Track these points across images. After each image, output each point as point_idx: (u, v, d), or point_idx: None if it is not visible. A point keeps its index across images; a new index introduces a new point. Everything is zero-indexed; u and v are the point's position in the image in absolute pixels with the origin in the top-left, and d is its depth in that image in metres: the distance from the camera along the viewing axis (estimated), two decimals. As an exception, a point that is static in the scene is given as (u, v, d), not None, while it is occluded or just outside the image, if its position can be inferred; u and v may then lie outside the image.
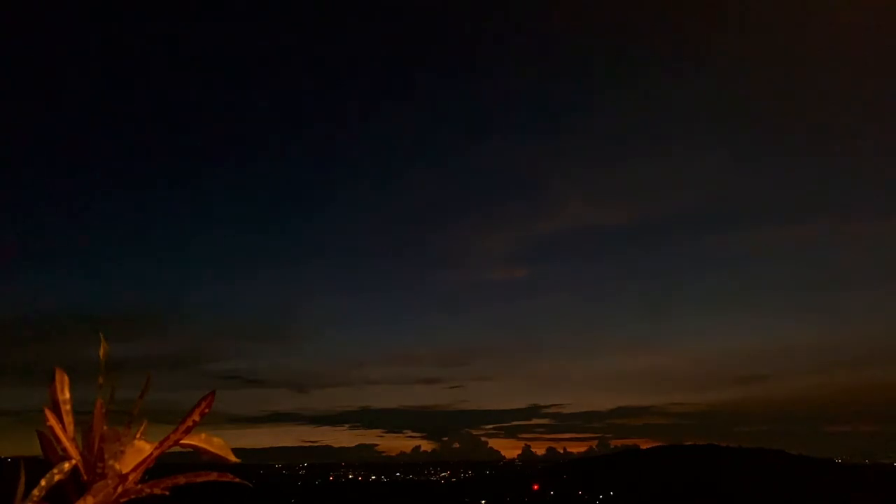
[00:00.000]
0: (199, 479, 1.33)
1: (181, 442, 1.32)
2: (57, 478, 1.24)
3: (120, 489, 1.27)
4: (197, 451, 1.35)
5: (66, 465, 1.26)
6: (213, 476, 1.34)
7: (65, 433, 1.29)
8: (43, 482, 1.23)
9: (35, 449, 1.31)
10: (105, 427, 1.31)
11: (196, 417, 1.32)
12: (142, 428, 1.33)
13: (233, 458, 1.36)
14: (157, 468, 1.32)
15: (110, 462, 1.29)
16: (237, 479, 1.36)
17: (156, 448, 1.31)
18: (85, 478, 1.28)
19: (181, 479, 1.31)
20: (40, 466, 1.26)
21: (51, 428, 1.27)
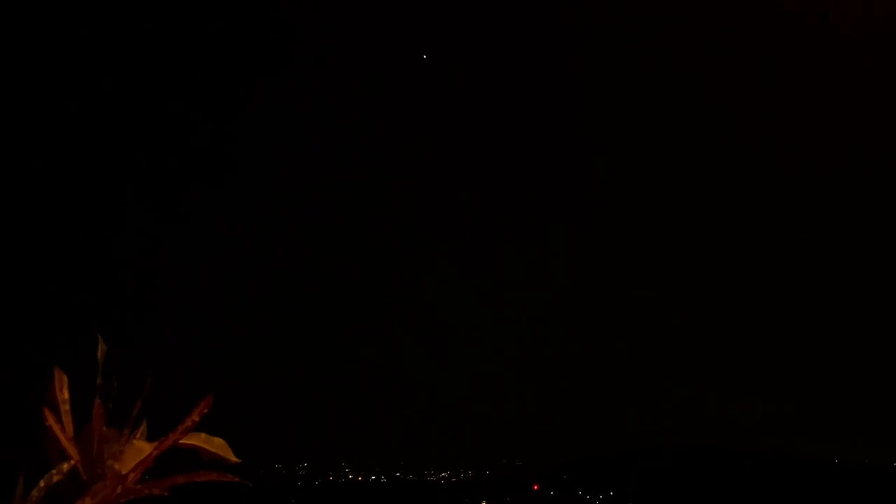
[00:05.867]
0: (199, 479, 1.32)
1: (181, 442, 1.32)
2: (55, 479, 1.23)
3: (119, 489, 1.26)
4: (197, 451, 1.34)
5: (65, 466, 1.25)
6: (213, 476, 1.33)
7: (64, 433, 1.28)
8: (42, 483, 1.22)
9: None
10: (104, 427, 1.30)
11: (195, 417, 1.32)
12: (141, 428, 1.32)
13: (233, 458, 1.35)
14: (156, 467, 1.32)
15: (109, 462, 1.28)
16: (237, 479, 1.35)
17: (155, 448, 1.30)
18: (84, 478, 1.27)
19: (180, 479, 1.30)
20: (42, 466, 1.25)
21: (49, 428, 1.26)
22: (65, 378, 1.32)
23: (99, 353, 1.32)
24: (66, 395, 1.30)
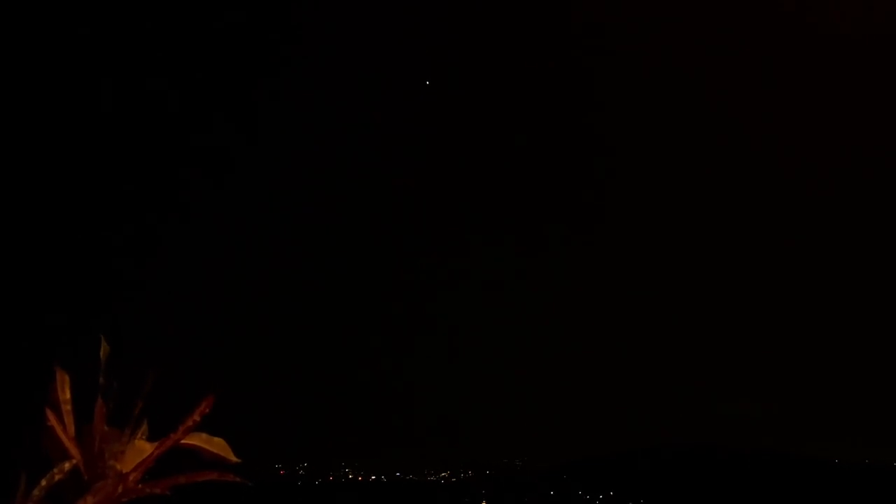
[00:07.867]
0: (200, 479, 1.32)
1: (182, 442, 1.32)
2: (57, 478, 1.24)
3: (120, 489, 1.27)
4: (198, 451, 1.34)
5: (67, 465, 1.25)
6: (214, 475, 1.33)
7: (65, 433, 1.28)
8: (43, 482, 1.23)
9: None
10: (105, 427, 1.31)
11: (196, 418, 1.32)
12: (143, 428, 1.33)
13: (233, 458, 1.35)
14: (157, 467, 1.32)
15: (111, 462, 1.28)
16: (238, 479, 1.36)
17: (156, 448, 1.31)
18: (85, 477, 1.27)
19: (181, 479, 1.30)
20: (43, 465, 1.25)
21: (51, 428, 1.27)
22: (66, 378, 1.32)
23: (101, 353, 1.33)
24: (68, 395, 1.31)
